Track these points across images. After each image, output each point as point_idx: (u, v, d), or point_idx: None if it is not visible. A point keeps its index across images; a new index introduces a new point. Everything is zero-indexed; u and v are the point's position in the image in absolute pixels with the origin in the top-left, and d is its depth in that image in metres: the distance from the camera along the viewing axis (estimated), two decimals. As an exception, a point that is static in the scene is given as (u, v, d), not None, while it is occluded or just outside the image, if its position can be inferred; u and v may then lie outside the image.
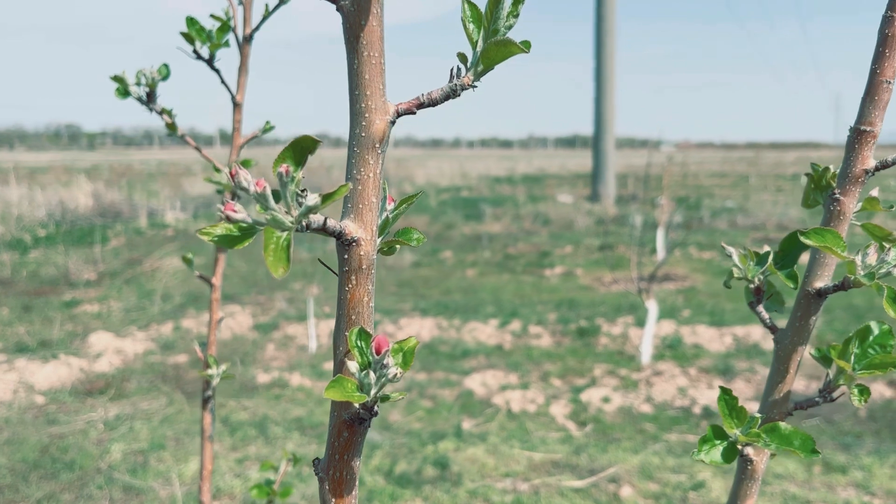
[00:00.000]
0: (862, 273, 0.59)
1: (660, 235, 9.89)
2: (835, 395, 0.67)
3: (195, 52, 1.00)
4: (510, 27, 0.44)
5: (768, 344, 5.85)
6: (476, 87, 0.45)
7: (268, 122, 1.09)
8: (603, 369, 5.32)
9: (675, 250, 10.24)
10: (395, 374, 0.46)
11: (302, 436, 4.24)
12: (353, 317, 0.47)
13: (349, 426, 0.48)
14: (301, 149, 0.43)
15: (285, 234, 0.42)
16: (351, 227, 0.46)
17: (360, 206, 0.46)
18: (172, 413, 4.60)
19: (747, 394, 4.86)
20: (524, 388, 4.96)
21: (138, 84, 0.97)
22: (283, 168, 0.42)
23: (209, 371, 1.16)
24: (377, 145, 0.45)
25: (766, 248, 0.67)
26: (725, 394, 0.65)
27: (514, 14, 0.44)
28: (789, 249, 0.66)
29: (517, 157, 58.91)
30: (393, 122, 0.45)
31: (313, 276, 8.73)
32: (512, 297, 7.79)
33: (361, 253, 0.46)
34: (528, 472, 3.76)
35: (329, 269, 0.55)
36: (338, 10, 0.44)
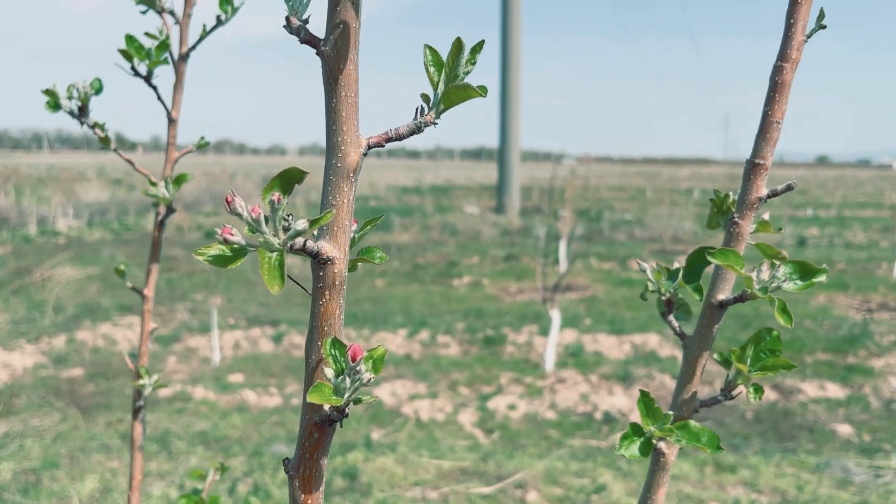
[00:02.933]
0: (757, 287, 0.67)
1: (562, 247, 10.19)
2: (734, 393, 0.75)
3: (133, 69, 1.00)
4: (468, 73, 0.50)
5: (664, 351, 6.14)
6: (437, 124, 0.51)
7: (202, 138, 1.09)
8: (509, 377, 5.44)
9: (576, 261, 10.57)
10: (370, 379, 0.50)
11: (206, 450, 4.14)
12: (326, 328, 0.51)
13: (319, 427, 0.52)
14: (288, 178, 0.47)
15: (275, 254, 0.46)
16: (327, 248, 0.50)
17: (335, 228, 0.50)
18: (66, 430, 4.40)
19: (645, 399, 5.07)
20: (433, 397, 5.02)
21: (70, 98, 0.96)
22: (275, 196, 0.46)
23: (141, 381, 1.15)
24: (351, 175, 0.50)
25: (676, 265, 0.75)
26: (644, 396, 0.72)
27: (472, 62, 0.50)
28: (695, 265, 0.74)
29: (424, 168, 59.30)
30: (365, 154, 0.50)
31: (216, 287, 8.53)
32: (421, 306, 7.84)
33: (335, 271, 0.51)
34: (437, 480, 3.81)
35: (300, 286, 0.57)
36: (318, 54, 0.48)
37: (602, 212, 18.61)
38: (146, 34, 1.00)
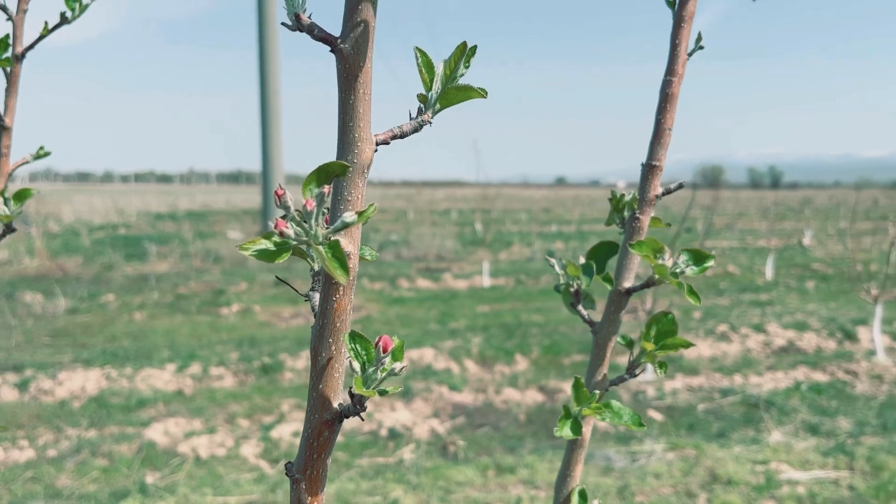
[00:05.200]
0: (669, 273, 0.75)
1: (334, 269, 10.16)
2: (637, 371, 0.82)
3: (-38, 69, 0.85)
4: (462, 75, 0.52)
5: (439, 364, 6.37)
6: (431, 123, 0.52)
7: (41, 148, 0.96)
8: (291, 404, 5.32)
9: (348, 282, 10.64)
10: (402, 368, 0.51)
11: (-58, 521, 3.57)
12: (338, 324, 0.51)
13: (329, 425, 0.51)
14: (327, 173, 0.48)
15: (325, 246, 0.46)
16: (343, 242, 0.50)
17: None
18: None
19: (426, 412, 5.23)
20: (211, 432, 4.76)
21: None
22: (325, 188, 0.46)
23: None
24: (365, 171, 0.51)
25: (582, 260, 0.80)
26: (576, 381, 0.77)
27: (467, 65, 0.52)
28: (597, 258, 0.81)
29: (178, 193, 56.35)
30: (375, 150, 0.51)
31: (-61, 332, 7.40)
32: (188, 338, 7.41)
33: (350, 266, 0.50)
34: (224, 518, 3.61)
35: (290, 286, 0.54)
36: (332, 51, 0.48)
37: (368, 233, 18.91)
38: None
